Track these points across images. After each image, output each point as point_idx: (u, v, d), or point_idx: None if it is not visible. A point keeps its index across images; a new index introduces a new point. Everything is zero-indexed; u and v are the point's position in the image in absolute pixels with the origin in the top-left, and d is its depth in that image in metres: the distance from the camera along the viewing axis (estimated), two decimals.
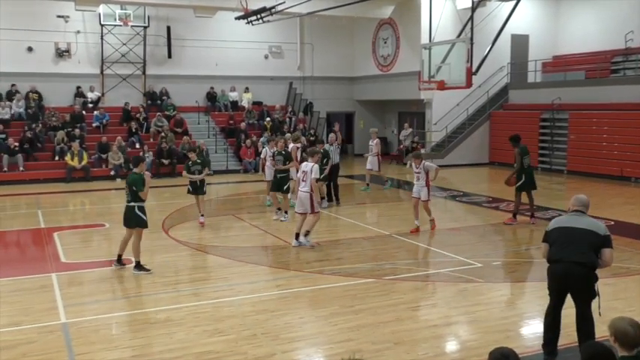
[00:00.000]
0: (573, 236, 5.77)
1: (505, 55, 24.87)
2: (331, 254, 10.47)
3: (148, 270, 9.30)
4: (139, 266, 9.34)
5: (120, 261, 9.56)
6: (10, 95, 22.93)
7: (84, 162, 20.52)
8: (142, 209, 9.31)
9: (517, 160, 12.75)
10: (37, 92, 23.24)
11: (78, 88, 24.06)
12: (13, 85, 23.01)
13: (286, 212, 13.23)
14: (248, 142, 22.95)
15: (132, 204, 9.30)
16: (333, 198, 15.27)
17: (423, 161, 11.97)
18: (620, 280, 8.82)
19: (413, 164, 12.14)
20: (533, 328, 7.16)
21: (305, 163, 10.92)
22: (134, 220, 9.31)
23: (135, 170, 9.47)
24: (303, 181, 10.67)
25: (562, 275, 5.84)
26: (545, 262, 6.03)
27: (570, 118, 21.70)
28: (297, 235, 10.81)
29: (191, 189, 12.85)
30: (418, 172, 11.87)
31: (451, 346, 6.72)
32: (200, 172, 12.64)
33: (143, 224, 9.37)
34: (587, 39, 24.35)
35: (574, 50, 25.00)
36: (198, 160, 12.84)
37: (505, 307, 7.71)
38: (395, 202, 16.61)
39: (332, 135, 16.24)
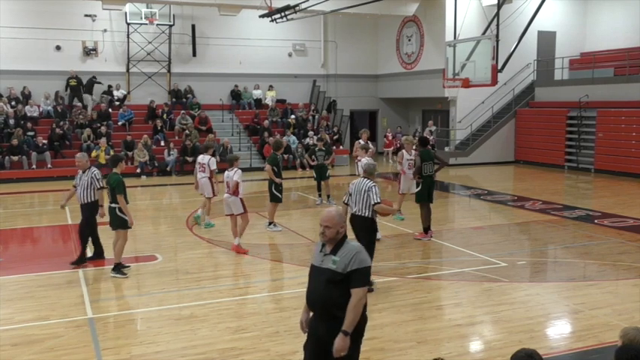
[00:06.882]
0: None
1: (531, 52, 24.59)
2: None
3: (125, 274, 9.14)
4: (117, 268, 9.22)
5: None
6: (90, 87, 23.45)
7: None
8: (121, 210, 9.06)
9: (441, 159, 11.53)
10: (76, 78, 23.44)
11: (110, 87, 24.28)
12: (93, 77, 23.46)
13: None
14: (271, 139, 22.97)
15: (113, 205, 9.14)
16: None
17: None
18: None
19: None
20: (558, 329, 7.07)
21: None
22: (116, 222, 9.13)
23: (115, 170, 9.30)
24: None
25: None
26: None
27: (598, 115, 21.36)
28: None
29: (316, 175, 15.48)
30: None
31: (475, 345, 6.66)
32: (324, 159, 15.45)
33: (125, 225, 9.13)
34: (616, 35, 23.94)
35: (602, 47, 24.59)
36: (323, 149, 15.55)
37: (530, 308, 7.61)
38: None
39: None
